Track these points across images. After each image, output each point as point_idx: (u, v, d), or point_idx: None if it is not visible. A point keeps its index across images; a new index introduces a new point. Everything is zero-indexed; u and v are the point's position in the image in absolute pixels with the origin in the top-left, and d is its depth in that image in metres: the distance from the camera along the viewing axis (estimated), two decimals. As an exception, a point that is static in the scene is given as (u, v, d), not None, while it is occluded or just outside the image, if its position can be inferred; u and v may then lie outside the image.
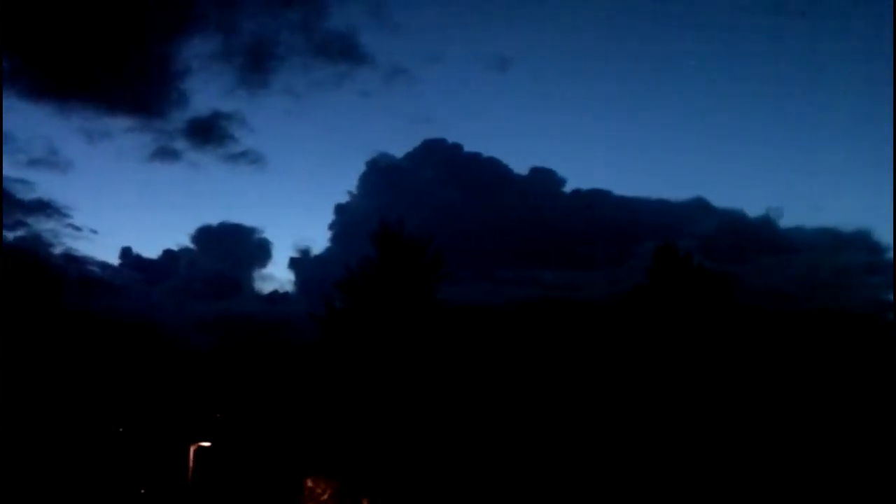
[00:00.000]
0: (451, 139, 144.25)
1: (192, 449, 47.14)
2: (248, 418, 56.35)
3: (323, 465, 45.81)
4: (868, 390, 48.41)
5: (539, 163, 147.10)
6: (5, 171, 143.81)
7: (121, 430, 57.93)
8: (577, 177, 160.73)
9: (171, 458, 51.60)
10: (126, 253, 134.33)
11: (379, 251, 47.86)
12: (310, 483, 47.07)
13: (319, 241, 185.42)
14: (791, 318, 58.71)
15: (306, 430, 47.20)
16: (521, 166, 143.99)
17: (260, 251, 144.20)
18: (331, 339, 47.21)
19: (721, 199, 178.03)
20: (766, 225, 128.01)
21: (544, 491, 45.66)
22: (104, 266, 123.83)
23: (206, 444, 47.77)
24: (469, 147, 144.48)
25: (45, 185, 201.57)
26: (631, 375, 47.69)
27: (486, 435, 46.31)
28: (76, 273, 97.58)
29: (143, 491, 53.70)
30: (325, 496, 46.75)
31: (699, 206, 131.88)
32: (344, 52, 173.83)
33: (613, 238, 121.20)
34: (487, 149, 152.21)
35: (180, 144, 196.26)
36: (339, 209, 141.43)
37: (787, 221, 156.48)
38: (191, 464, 46.96)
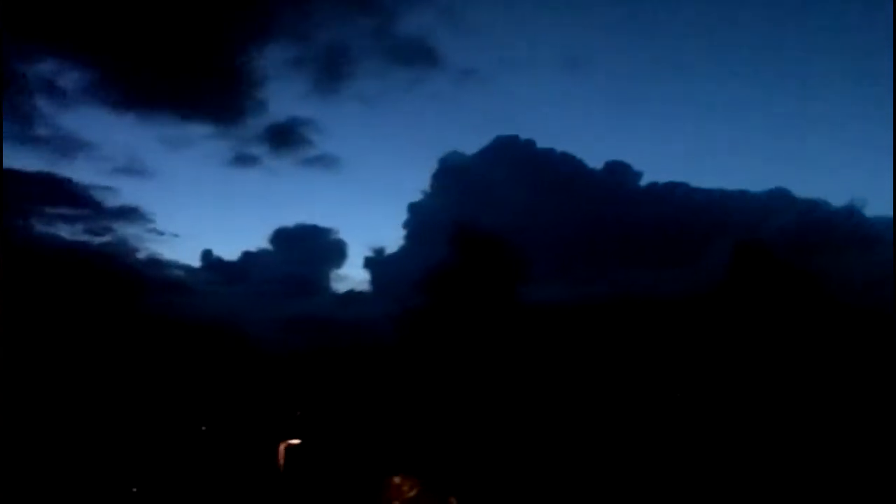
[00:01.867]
0: (527, 136, 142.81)
1: (281, 447, 48.05)
2: (335, 417, 57.18)
3: (409, 462, 46.40)
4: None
5: (614, 157, 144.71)
6: (90, 180, 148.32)
7: (204, 428, 59.21)
8: (654, 170, 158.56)
9: (261, 455, 52.58)
10: (206, 255, 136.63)
11: (457, 251, 48.30)
12: (396, 480, 47.61)
13: (393, 240, 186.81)
14: (883, 315, 57.34)
15: (391, 429, 47.77)
16: (595, 161, 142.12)
17: (335, 251, 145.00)
18: (412, 338, 47.76)
19: (802, 188, 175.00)
20: (850, 215, 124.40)
21: (633, 488, 45.50)
22: (186, 269, 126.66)
23: (295, 441, 48.65)
24: (546, 143, 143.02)
25: (128, 192, 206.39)
26: (715, 374, 47.28)
27: (570, 433, 46.30)
28: (161, 276, 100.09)
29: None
30: (412, 493, 47.21)
31: (779, 197, 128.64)
32: (417, 55, 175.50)
33: (691, 231, 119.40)
34: (561, 145, 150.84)
35: (258, 150, 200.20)
36: (412, 208, 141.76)
37: (871, 210, 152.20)
38: (281, 461, 47.87)
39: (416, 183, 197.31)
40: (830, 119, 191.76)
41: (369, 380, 54.68)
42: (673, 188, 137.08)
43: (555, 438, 46.14)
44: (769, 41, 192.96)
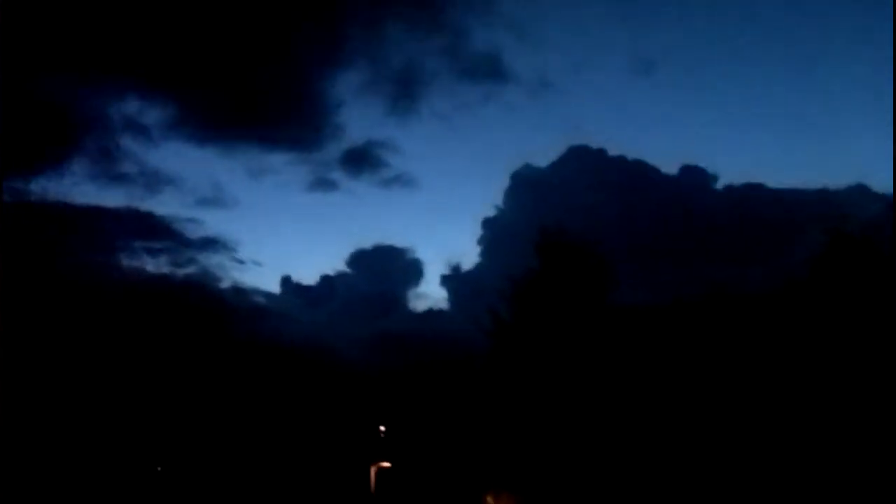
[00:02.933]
0: (598, 145, 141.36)
1: (373, 470, 47.54)
2: (425, 436, 56.43)
3: (502, 480, 45.35)
4: None
5: (689, 161, 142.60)
6: (175, 212, 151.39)
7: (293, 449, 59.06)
8: (730, 172, 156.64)
9: (352, 477, 52.15)
10: (286, 281, 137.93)
11: (542, 260, 47.19)
12: (490, 499, 46.68)
13: (470, 256, 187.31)
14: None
15: (483, 446, 46.87)
16: (670, 166, 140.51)
17: (412, 270, 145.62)
18: (501, 352, 46.82)
19: (883, 183, 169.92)
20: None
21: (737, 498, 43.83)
22: (267, 295, 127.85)
23: (387, 464, 48.09)
24: (618, 151, 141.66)
25: (212, 223, 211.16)
26: (816, 369, 45.41)
27: (670, 444, 44.75)
28: (244, 304, 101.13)
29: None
30: (505, 510, 46.24)
31: (860, 193, 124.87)
32: (489, 71, 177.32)
33: (770, 232, 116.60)
34: (635, 152, 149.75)
35: (336, 174, 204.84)
36: (487, 223, 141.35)
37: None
38: (373, 484, 47.35)
39: (490, 198, 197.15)
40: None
41: (459, 397, 53.80)
42: (750, 189, 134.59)
43: (657, 448, 44.70)
44: (838, 41, 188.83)
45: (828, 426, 43.32)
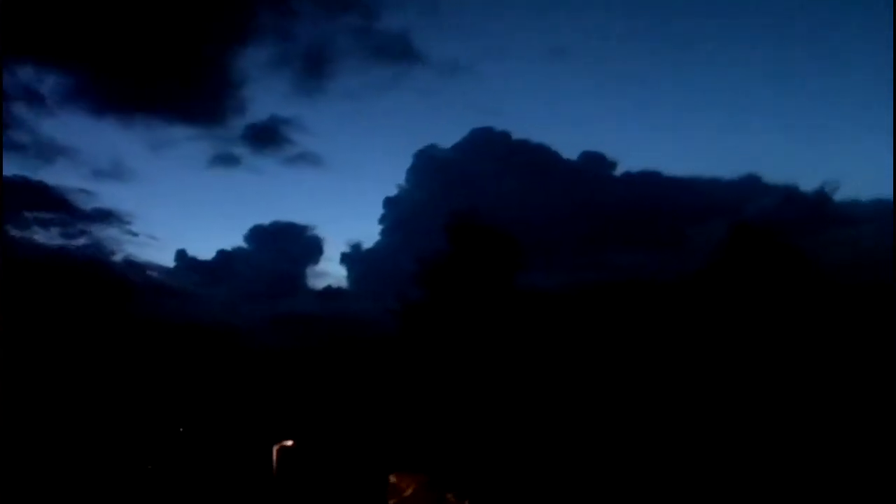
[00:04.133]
0: (504, 129, 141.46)
1: (275, 448, 46.78)
2: (329, 416, 55.90)
3: (406, 460, 45.25)
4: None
5: (591, 148, 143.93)
6: (68, 183, 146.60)
7: (182, 429, 57.87)
8: (629, 160, 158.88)
9: (253, 457, 51.28)
10: (181, 255, 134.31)
11: (453, 241, 47.26)
12: (393, 479, 46.47)
13: (371, 235, 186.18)
14: (861, 290, 57.00)
15: (388, 426, 46.68)
16: (572, 152, 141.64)
17: (312, 247, 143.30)
18: (410, 333, 46.73)
19: (774, 174, 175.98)
20: (821, 199, 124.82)
21: (631, 477, 44.65)
22: (161, 269, 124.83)
23: (289, 443, 47.37)
24: (523, 136, 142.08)
25: (107, 195, 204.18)
26: (716, 353, 46.57)
27: (572, 422, 45.33)
28: (138, 279, 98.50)
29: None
30: (409, 491, 46.10)
31: (752, 183, 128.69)
32: (398, 51, 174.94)
33: (667, 219, 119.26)
34: (539, 137, 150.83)
35: (239, 150, 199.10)
36: (388, 202, 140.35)
37: (842, 194, 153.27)
38: (275, 464, 46.61)
39: (395, 178, 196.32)
40: (798, 108, 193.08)
41: (364, 376, 53.47)
42: (647, 177, 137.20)
43: (555, 429, 45.21)
44: (740, 33, 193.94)
45: (725, 411, 44.54)
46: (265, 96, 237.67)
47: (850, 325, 49.10)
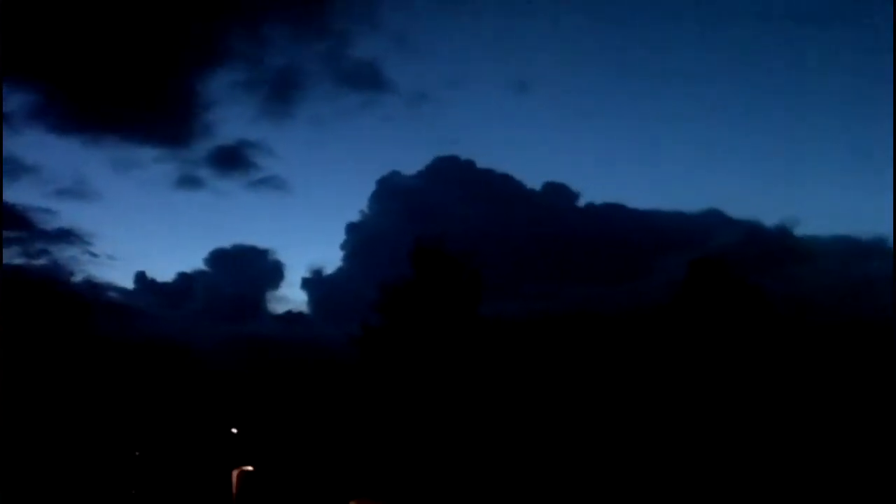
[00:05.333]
0: (468, 157, 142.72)
1: (234, 473, 46.70)
2: (290, 441, 55.74)
3: (368, 486, 45.27)
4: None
5: (555, 178, 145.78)
6: (31, 202, 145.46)
7: (138, 453, 57.49)
8: (591, 191, 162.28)
9: (213, 481, 51.05)
10: (140, 278, 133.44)
11: (417, 268, 47.45)
12: (354, 505, 46.49)
13: (333, 261, 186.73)
14: (817, 329, 57.99)
15: (349, 452, 46.72)
16: (535, 182, 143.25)
17: (273, 272, 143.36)
18: (370, 360, 46.85)
19: (737, 209, 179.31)
20: (782, 234, 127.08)
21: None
22: (121, 290, 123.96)
23: (249, 468, 47.32)
24: (486, 164, 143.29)
25: (70, 215, 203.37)
26: (673, 390, 47.20)
27: (531, 452, 45.67)
28: (99, 299, 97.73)
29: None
30: (371, 517, 46.09)
31: (715, 217, 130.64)
32: (368, 79, 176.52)
33: (630, 252, 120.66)
34: (504, 166, 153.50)
35: (204, 172, 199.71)
36: (351, 228, 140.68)
37: (802, 230, 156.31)
38: (235, 488, 46.51)
39: (359, 205, 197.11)
40: (761, 141, 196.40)
41: (325, 402, 53.48)
42: (610, 209, 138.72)
43: (515, 456, 45.54)
44: (705, 70, 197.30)
45: (686, 443, 45.18)
46: (232, 120, 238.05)
47: (806, 363, 50.03)
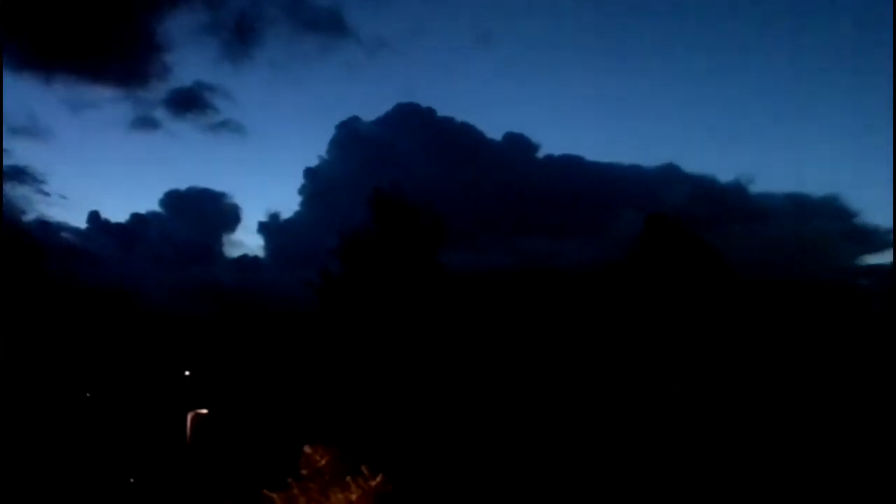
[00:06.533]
0: (428, 105, 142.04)
1: (189, 416, 46.73)
2: (245, 386, 55.86)
3: (322, 432, 45.51)
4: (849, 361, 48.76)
5: (514, 129, 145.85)
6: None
7: (89, 395, 57.24)
8: (551, 144, 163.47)
9: (167, 425, 51.07)
10: (94, 217, 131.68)
11: (376, 216, 47.38)
12: (308, 450, 46.70)
13: (291, 206, 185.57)
14: (769, 286, 58.94)
15: (304, 398, 46.89)
16: (496, 133, 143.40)
17: (229, 215, 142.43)
18: (328, 307, 46.85)
19: (692, 164, 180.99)
20: (737, 191, 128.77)
21: (540, 461, 45.67)
22: (73, 231, 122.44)
23: (203, 411, 47.35)
24: (446, 114, 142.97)
25: (21, 153, 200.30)
26: (626, 346, 47.84)
27: (485, 402, 46.18)
28: (51, 240, 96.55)
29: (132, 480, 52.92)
30: (323, 462, 46.37)
31: (671, 173, 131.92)
32: (329, 24, 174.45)
33: (588, 204, 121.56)
34: (464, 116, 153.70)
35: (161, 114, 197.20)
36: (309, 173, 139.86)
37: (757, 187, 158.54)
38: (189, 431, 46.57)
39: (317, 151, 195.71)
40: (718, 98, 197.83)
41: (286, 348, 53.53)
42: (569, 161, 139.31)
43: (473, 406, 46.00)
44: (664, 27, 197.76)
45: (636, 404, 45.93)
46: (191, 62, 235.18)
47: (755, 322, 50.87)
